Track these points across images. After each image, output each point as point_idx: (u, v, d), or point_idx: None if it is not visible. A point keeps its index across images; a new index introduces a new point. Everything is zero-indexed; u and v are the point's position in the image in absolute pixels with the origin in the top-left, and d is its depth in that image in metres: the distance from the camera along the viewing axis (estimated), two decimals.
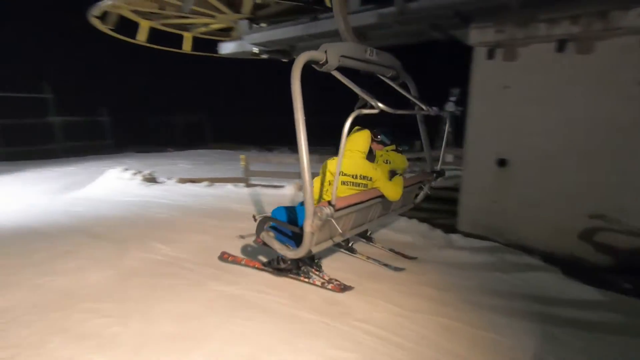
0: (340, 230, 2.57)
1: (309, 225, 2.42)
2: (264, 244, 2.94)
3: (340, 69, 2.67)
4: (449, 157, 16.32)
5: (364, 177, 3.01)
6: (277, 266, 3.32)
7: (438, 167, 3.85)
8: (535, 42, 4.12)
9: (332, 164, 3.02)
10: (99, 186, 8.12)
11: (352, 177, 3.01)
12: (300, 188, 6.15)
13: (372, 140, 3.67)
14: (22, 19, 20.12)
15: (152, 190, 7.40)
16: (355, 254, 3.84)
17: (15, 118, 14.04)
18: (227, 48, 6.86)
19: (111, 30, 5.89)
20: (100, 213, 5.96)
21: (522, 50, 4.24)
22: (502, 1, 3.89)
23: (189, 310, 2.74)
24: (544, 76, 4.14)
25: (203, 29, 6.75)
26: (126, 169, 8.76)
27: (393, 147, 3.89)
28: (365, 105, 2.64)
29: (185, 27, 6.65)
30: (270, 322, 2.60)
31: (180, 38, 6.86)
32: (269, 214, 3.07)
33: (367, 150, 3.10)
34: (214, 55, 6.98)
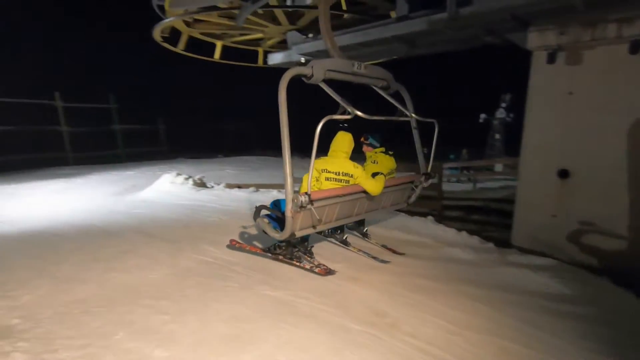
0: (318, 217, 3.05)
1: (288, 210, 2.92)
2: (265, 232, 3.38)
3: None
4: (498, 167, 15.52)
5: (346, 174, 3.42)
6: (274, 251, 3.78)
7: (428, 169, 4.13)
8: (603, 44, 3.81)
9: (318, 162, 3.42)
10: (155, 189, 8.70)
11: (335, 174, 3.43)
12: None
13: (363, 142, 4.20)
14: (94, 39, 22.34)
15: (202, 195, 7.78)
16: (348, 246, 4.17)
17: (84, 126, 15.51)
18: (275, 59, 7.10)
19: (183, 51, 6.37)
20: (156, 215, 6.38)
21: (588, 53, 3.94)
22: (566, 2, 3.66)
23: (239, 312, 2.83)
24: (613, 81, 3.80)
25: (270, 43, 7.09)
26: (179, 174, 9.32)
27: (382, 149, 4.19)
28: (344, 112, 3.04)
29: (257, 43, 7.03)
30: (318, 330, 2.60)
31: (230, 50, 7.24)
32: (266, 204, 3.60)
33: (349, 151, 3.53)
34: (264, 65, 7.26)
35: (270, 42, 7.13)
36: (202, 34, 6.31)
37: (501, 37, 4.95)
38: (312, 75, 2.95)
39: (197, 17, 5.66)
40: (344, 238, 4.25)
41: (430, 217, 5.32)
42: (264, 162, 15.05)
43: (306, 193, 2.89)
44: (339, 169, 3.43)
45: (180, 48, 6.31)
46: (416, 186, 4.14)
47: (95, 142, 15.89)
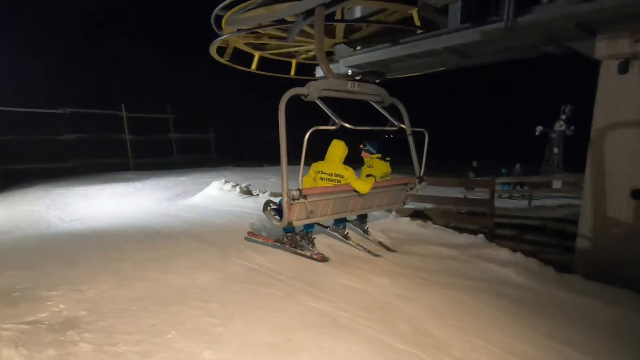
0: (310, 209, 3.60)
1: (284, 202, 3.44)
2: (270, 220, 3.97)
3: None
4: (557, 184, 14.35)
5: (337, 175, 4.01)
6: (282, 240, 4.46)
7: (421, 173, 4.46)
8: None
9: (315, 165, 4.13)
10: (205, 195, 9.17)
11: (329, 175, 4.05)
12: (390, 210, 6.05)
13: (361, 149, 4.69)
14: (156, 55, 24.33)
15: (248, 202, 8.06)
16: (348, 240, 4.76)
17: (143, 134, 16.83)
18: (321, 71, 7.23)
19: (228, 61, 6.71)
20: (206, 220, 6.71)
21: None
22: None
23: (283, 321, 2.86)
24: None
25: (305, 55, 7.25)
26: (226, 182, 9.76)
27: (379, 155, 4.65)
28: (334, 123, 3.55)
29: (292, 55, 7.24)
30: (360, 345, 2.56)
31: (279, 63, 7.49)
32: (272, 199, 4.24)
33: (343, 156, 4.11)
34: (311, 78, 7.41)
35: (304, 55, 7.27)
36: (244, 44, 6.60)
37: (563, 46, 4.63)
38: (309, 94, 3.47)
39: (249, 37, 5.94)
40: (346, 233, 4.83)
41: (480, 235, 5.04)
42: (306, 171, 15.25)
43: (298, 189, 3.47)
44: (331, 171, 4.04)
45: (225, 59, 6.64)
46: (411, 189, 4.51)
47: (153, 149, 17.17)
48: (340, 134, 3.80)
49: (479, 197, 10.49)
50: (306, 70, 7.75)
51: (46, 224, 7.19)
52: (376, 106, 4.08)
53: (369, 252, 4.48)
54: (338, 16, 5.57)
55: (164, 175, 13.83)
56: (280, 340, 2.62)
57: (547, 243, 5.87)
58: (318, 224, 4.79)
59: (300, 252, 4.29)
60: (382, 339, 2.66)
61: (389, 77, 7.15)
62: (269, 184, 11.56)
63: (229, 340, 2.59)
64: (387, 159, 4.69)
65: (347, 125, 3.53)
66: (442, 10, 5.04)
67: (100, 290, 3.41)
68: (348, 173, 3.98)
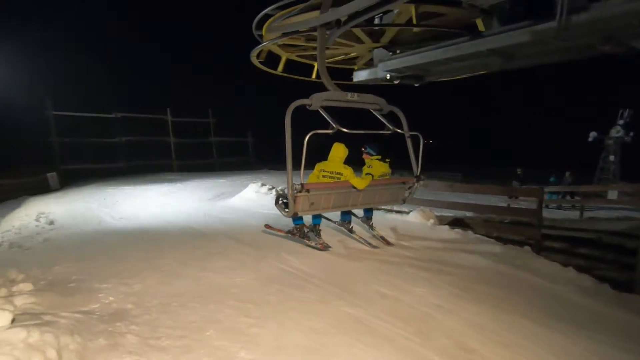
0: (311, 201, 4.06)
1: (290, 195, 3.88)
2: (279, 211, 4.45)
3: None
4: (613, 194, 13.22)
5: (337, 173, 4.44)
6: (292, 232, 5.10)
7: (418, 172, 4.82)
8: None
9: (319, 165, 4.61)
10: (242, 197, 9.42)
11: (330, 173, 4.47)
12: (429, 217, 5.87)
13: (363, 151, 5.06)
14: (199, 63, 25.55)
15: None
16: (352, 233, 5.20)
17: (186, 137, 17.66)
18: (360, 76, 7.19)
19: (260, 63, 6.88)
20: (243, 221, 6.88)
21: None
22: None
23: (317, 325, 2.85)
24: None
25: (335, 59, 7.26)
26: (263, 184, 9.96)
27: (379, 157, 4.97)
28: (333, 127, 3.97)
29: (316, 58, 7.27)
30: (397, 356, 2.48)
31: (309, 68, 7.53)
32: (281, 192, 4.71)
33: (343, 157, 4.56)
34: (348, 83, 7.40)
35: (335, 59, 7.24)
36: (298, 56, 6.72)
37: (624, 44, 4.28)
38: (312, 105, 3.98)
39: (285, 41, 6.04)
40: (351, 227, 5.26)
41: (526, 247, 4.74)
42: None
43: (300, 183, 3.92)
44: (332, 169, 4.48)
45: (279, 70, 6.80)
46: (409, 187, 4.91)
47: (194, 151, 17.96)
48: (342, 138, 4.27)
49: (523, 207, 9.90)
50: (337, 74, 7.72)
51: (98, 220, 7.72)
52: (375, 113, 4.58)
53: (370, 244, 5.00)
54: (402, 20, 5.52)
55: (204, 177, 14.39)
56: (314, 344, 2.61)
57: (602, 258, 5.40)
58: (327, 219, 5.34)
59: (307, 242, 4.94)
60: (420, 351, 2.56)
61: (428, 80, 6.97)
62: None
63: (264, 342, 2.62)
64: (387, 160, 5.02)
65: (344, 129, 3.98)
66: (487, 10, 4.84)
67: (145, 285, 3.59)
68: (347, 171, 4.44)
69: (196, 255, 4.61)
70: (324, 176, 4.50)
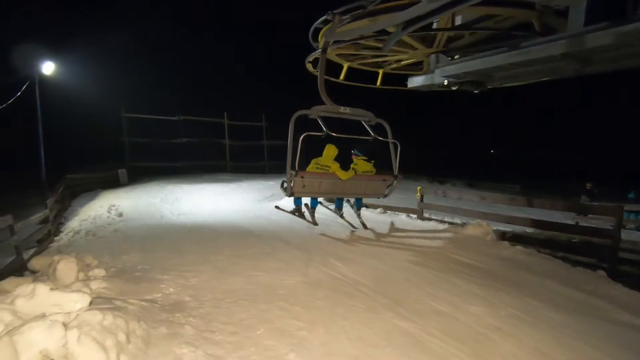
0: (303, 185, 5.13)
1: (287, 178, 4.95)
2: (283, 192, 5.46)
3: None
4: None
5: (326, 166, 5.55)
6: (292, 212, 6.38)
7: (396, 172, 5.71)
8: None
9: (314, 160, 5.68)
10: (291, 200, 9.59)
11: (321, 165, 5.57)
12: (486, 231, 5.53)
13: (352, 153, 6.14)
14: (254, 71, 26.68)
15: (331, 210, 8.18)
16: (342, 218, 6.66)
17: (240, 140, 18.45)
18: (415, 82, 6.99)
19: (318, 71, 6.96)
20: (291, 224, 7.00)
21: None
22: None
23: (365, 335, 2.80)
24: None
25: (395, 65, 7.14)
26: (325, 200, 10.06)
27: (364, 158, 6.04)
28: (324, 132, 5.13)
29: (379, 65, 7.18)
30: None
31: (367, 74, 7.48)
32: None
33: (333, 155, 5.70)
34: (402, 88, 7.24)
35: (394, 65, 7.09)
36: (360, 64, 6.76)
37: None
38: (311, 115, 4.92)
39: (344, 48, 6.07)
40: (341, 213, 6.71)
41: (600, 272, 4.26)
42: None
43: (296, 170, 4.92)
44: (323, 163, 5.60)
45: (340, 79, 6.89)
46: (389, 184, 5.79)
47: (247, 153, 18.72)
48: (338, 140, 5.46)
49: (593, 225, 8.92)
50: (393, 79, 7.59)
51: (160, 215, 8.33)
52: (364, 124, 5.42)
53: (352, 225, 6.50)
54: (441, 24, 5.35)
55: (255, 178, 14.90)
56: (362, 354, 2.56)
57: None
58: (327, 208, 7.12)
59: (302, 217, 6.35)
60: None
61: (489, 87, 6.59)
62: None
63: (312, 346, 2.62)
64: (371, 161, 6.07)
65: (333, 134, 5.13)
66: (561, 12, 4.47)
67: (201, 280, 3.79)
68: (334, 165, 5.55)
69: (247, 254, 4.78)
70: (317, 168, 5.59)
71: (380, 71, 7.48)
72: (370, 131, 5.50)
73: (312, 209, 6.49)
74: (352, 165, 5.98)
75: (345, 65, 7.04)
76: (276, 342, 2.65)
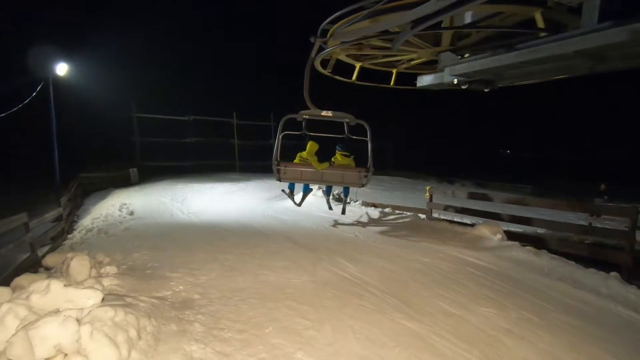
0: (284, 172, 6.29)
1: (273, 167, 6.22)
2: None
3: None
4: None
5: (305, 159, 6.44)
6: (287, 194, 7.29)
7: (370, 165, 6.31)
8: None
9: (299, 153, 6.60)
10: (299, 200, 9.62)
11: (304, 158, 6.46)
12: (496, 232, 5.46)
13: (336, 148, 6.93)
14: (263, 71, 26.78)
15: (339, 209, 8.17)
16: (329, 201, 7.76)
17: (249, 140, 18.56)
18: (425, 80, 6.93)
19: (329, 73, 6.95)
20: (299, 223, 7.03)
21: None
22: None
23: (374, 335, 2.79)
24: None
25: (406, 65, 7.09)
26: (319, 188, 10.07)
27: (344, 152, 6.83)
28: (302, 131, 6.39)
29: (392, 64, 7.15)
30: None
31: (378, 73, 7.44)
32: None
33: (314, 150, 6.56)
34: (412, 87, 7.19)
35: (406, 65, 7.03)
36: (372, 64, 6.73)
37: None
38: (297, 118, 5.99)
39: (351, 50, 6.06)
40: (328, 198, 7.76)
41: (614, 274, 4.16)
42: (399, 183, 14.84)
43: (277, 160, 6.17)
44: (305, 156, 6.49)
45: (353, 79, 6.86)
46: (365, 176, 6.40)
47: (255, 153, 18.81)
48: (326, 138, 6.65)
49: (607, 227, 8.73)
50: (406, 78, 7.55)
51: (170, 213, 8.43)
52: (345, 125, 6.35)
53: (331, 208, 7.60)
54: (446, 23, 5.30)
55: (263, 178, 14.96)
56: (371, 354, 2.55)
57: None
58: (324, 194, 7.99)
59: (291, 199, 7.35)
60: None
61: (500, 85, 6.50)
62: (360, 193, 11.56)
63: (320, 345, 2.63)
64: (351, 156, 6.85)
65: (310, 133, 6.47)
66: (574, 9, 4.39)
67: (209, 278, 3.83)
68: (312, 158, 6.44)
69: (255, 253, 4.80)
70: (300, 160, 6.55)
71: (394, 71, 7.44)
72: (347, 131, 6.54)
73: (303, 193, 7.57)
74: (332, 158, 6.89)
75: (358, 66, 7.03)
76: (284, 341, 2.66)
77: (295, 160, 6.69)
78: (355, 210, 7.98)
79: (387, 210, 7.77)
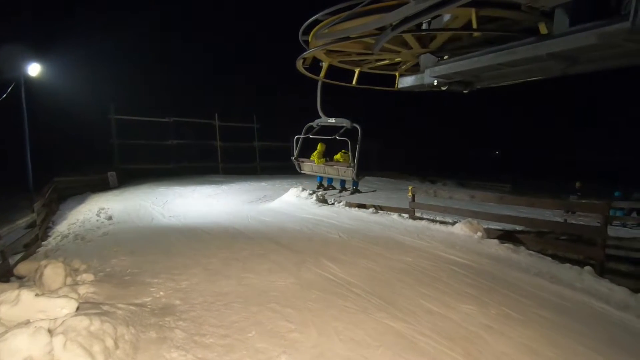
0: (301, 166, 9.73)
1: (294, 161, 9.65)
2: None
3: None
4: None
5: (315, 156, 9.22)
6: (316, 190, 10.06)
7: (354, 161, 8.08)
8: None
9: (314, 154, 9.40)
10: (283, 201, 9.57)
11: (314, 156, 9.22)
12: (476, 230, 5.58)
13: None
14: (243, 72, 26.53)
15: (323, 210, 8.18)
16: (328, 189, 10.59)
17: (231, 142, 18.36)
18: (406, 82, 7.04)
19: (305, 69, 6.97)
20: (283, 225, 6.98)
21: None
22: None
23: (358, 336, 2.80)
24: None
25: (373, 65, 7.19)
26: (304, 189, 10.05)
27: (343, 151, 8.79)
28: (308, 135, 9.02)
29: (357, 64, 7.22)
30: None
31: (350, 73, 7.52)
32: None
33: (322, 149, 9.37)
34: (392, 89, 7.28)
35: (404, 67, 7.14)
36: (340, 62, 6.73)
37: None
38: (314, 125, 8.38)
39: (334, 47, 6.07)
40: (330, 186, 10.49)
41: (587, 268, 4.32)
42: (384, 184, 14.98)
43: (295, 157, 9.38)
44: (314, 154, 8.79)
45: (321, 76, 6.85)
46: (351, 169, 8.12)
47: (239, 155, 18.63)
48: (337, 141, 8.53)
49: (582, 223, 9.06)
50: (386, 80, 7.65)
51: (150, 217, 8.23)
52: (342, 129, 8.06)
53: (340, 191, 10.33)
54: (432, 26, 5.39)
55: (247, 180, 14.84)
56: (355, 355, 2.56)
57: None
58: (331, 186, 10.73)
59: (320, 187, 10.18)
60: None
61: (478, 86, 6.66)
62: (345, 194, 11.60)
63: (304, 348, 2.61)
64: (347, 153, 8.44)
65: (310, 135, 8.63)
66: (547, 13, 4.53)
67: (192, 283, 3.76)
68: (315, 156, 9.04)
69: (239, 256, 4.74)
70: (312, 157, 8.63)
71: (357, 70, 7.49)
72: (339, 133, 8.33)
73: (329, 185, 10.52)
74: (334, 156, 9.28)
75: (326, 63, 7.06)
76: (268, 345, 2.63)
77: (311, 158, 9.36)
78: (340, 211, 7.99)
79: (370, 210, 7.82)
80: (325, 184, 10.96)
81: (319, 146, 8.57)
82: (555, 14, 4.50)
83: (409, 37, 5.63)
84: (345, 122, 7.65)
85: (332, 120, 7.65)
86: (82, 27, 19.80)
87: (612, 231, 8.84)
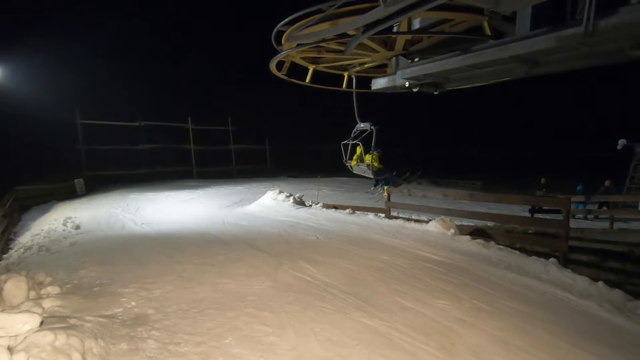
0: (350, 167, 8.78)
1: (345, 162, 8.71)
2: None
3: None
4: None
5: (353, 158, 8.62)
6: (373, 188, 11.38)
7: (371, 159, 8.30)
8: None
9: (353, 158, 8.73)
10: (260, 204, 9.50)
11: (354, 158, 8.58)
12: (449, 227, 5.74)
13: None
14: (219, 73, 26.14)
15: (301, 213, 8.18)
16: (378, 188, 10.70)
17: (206, 145, 18.03)
18: (378, 84, 7.17)
19: (284, 75, 6.94)
20: (260, 228, 6.92)
21: None
22: None
23: (335, 336, 2.81)
24: None
25: (359, 68, 7.26)
26: (281, 192, 10.01)
27: (376, 152, 8.26)
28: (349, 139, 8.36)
29: (345, 68, 7.29)
30: None
31: (337, 78, 7.59)
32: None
33: (359, 152, 8.46)
34: (366, 91, 7.39)
35: (358, 68, 7.25)
36: (301, 58, 6.74)
37: None
38: (367, 129, 7.88)
39: (306, 51, 6.09)
40: (380, 187, 10.16)
41: (552, 260, 4.54)
42: (360, 184, 15.15)
43: (345, 159, 8.43)
44: (355, 158, 8.46)
45: (282, 73, 6.84)
46: (367, 167, 8.42)
47: (214, 159, 18.31)
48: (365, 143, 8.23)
49: (547, 217, 9.53)
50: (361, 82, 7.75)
51: (121, 225, 7.94)
52: (366, 131, 7.99)
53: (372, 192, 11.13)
54: (403, 28, 5.51)
55: (223, 184, 14.62)
56: (333, 355, 2.57)
57: (634, 273, 5.13)
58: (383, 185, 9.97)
59: (375, 185, 10.65)
60: None
61: (448, 88, 6.87)
62: (322, 195, 11.64)
63: (282, 351, 2.60)
64: (374, 154, 8.41)
65: (347, 140, 8.42)
66: (509, 17, 4.75)
67: (165, 291, 3.65)
68: (354, 159, 8.66)
69: (214, 262, 4.66)
70: (353, 158, 8.70)
71: (346, 74, 7.60)
72: (359, 136, 8.41)
73: (377, 183, 10.52)
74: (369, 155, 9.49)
75: (311, 68, 7.08)
76: (245, 350, 2.60)
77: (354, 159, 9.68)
78: (317, 213, 8.01)
79: (347, 211, 7.88)
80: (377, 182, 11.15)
81: (357, 149, 8.67)
82: (517, 18, 4.72)
83: (369, 42, 5.73)
84: (369, 126, 8.00)
85: (361, 125, 8.03)
86: (47, 29, 18.89)
87: (575, 223, 9.36)
